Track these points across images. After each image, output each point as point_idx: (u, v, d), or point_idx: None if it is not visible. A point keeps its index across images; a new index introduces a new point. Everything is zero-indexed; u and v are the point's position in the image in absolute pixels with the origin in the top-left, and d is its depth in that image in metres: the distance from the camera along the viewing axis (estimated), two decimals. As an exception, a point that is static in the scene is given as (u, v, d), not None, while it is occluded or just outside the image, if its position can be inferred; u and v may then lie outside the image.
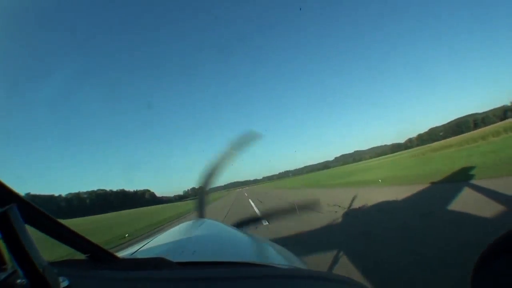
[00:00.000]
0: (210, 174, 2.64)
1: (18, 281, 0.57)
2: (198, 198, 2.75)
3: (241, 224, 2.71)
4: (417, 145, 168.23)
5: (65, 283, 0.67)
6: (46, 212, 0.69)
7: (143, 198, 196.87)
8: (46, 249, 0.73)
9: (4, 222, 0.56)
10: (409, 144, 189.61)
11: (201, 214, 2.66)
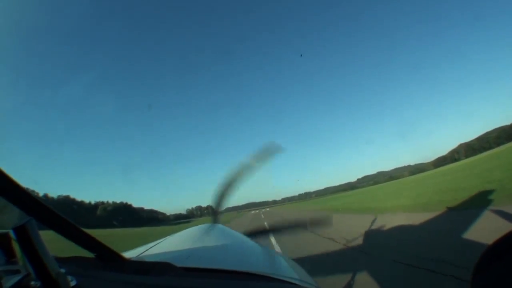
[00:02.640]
0: (227, 186, 2.54)
1: (32, 283, 0.64)
2: (214, 206, 2.78)
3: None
4: (466, 156, 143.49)
5: (73, 283, 0.73)
6: (55, 210, 0.73)
7: (93, 213, 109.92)
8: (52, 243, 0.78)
9: (22, 234, 0.63)
10: (456, 156, 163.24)
11: (214, 220, 2.73)
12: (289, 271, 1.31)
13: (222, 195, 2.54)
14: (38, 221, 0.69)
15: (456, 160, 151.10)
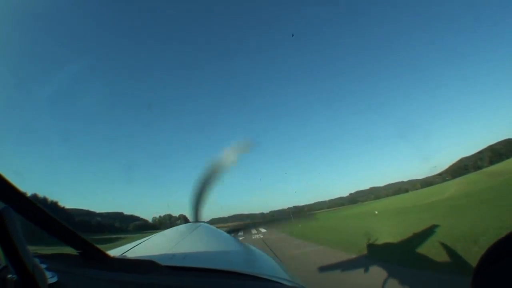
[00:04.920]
0: (205, 184, 2.66)
1: (9, 276, 0.64)
2: (194, 202, 2.80)
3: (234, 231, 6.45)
4: (491, 162, 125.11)
5: (54, 279, 0.73)
6: (40, 206, 0.73)
7: None
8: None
9: None
10: (479, 163, 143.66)
11: (196, 218, 2.79)
12: (274, 271, 1.35)
13: (200, 192, 2.63)
14: (17, 211, 0.66)
15: (479, 167, 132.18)
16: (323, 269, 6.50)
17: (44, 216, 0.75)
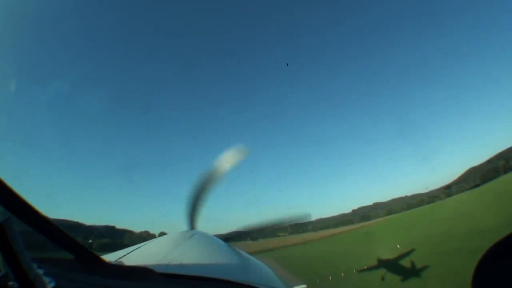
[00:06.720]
0: (203, 188, 2.79)
1: (9, 283, 0.67)
2: (190, 209, 2.90)
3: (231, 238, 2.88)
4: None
5: (52, 284, 0.75)
6: (37, 210, 0.76)
7: None
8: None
9: (0, 233, 0.64)
10: (509, 165, 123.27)
11: (192, 226, 2.90)
12: (269, 280, 1.36)
13: (196, 199, 2.79)
14: (18, 218, 0.70)
15: (510, 169, 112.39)
16: None
17: (41, 220, 0.77)
